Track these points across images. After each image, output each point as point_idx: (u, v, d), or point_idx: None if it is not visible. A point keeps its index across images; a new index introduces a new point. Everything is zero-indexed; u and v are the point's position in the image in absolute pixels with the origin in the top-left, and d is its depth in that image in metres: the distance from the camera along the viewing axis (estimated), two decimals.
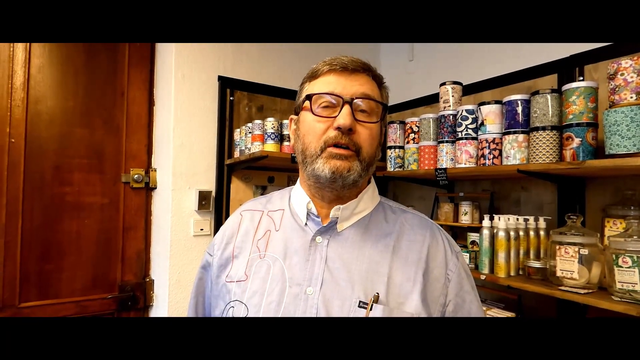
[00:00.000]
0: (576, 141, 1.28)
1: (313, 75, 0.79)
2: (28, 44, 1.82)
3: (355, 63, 0.75)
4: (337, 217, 0.77)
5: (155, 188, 2.10)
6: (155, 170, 2.10)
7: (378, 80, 0.80)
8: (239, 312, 0.75)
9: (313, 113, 0.74)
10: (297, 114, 0.82)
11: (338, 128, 0.71)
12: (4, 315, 1.75)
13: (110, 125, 2.02)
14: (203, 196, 1.98)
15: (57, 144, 1.88)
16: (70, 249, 1.91)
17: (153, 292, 2.07)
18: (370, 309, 0.69)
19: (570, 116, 1.30)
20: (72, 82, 1.92)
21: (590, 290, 1.28)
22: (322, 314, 0.70)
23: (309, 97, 0.75)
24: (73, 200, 1.92)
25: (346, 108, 0.72)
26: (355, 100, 0.73)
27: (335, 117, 0.72)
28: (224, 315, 0.78)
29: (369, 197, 0.83)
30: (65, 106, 1.91)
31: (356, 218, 0.80)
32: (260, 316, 0.72)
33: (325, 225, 0.78)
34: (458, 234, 1.96)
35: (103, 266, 1.99)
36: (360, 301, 0.70)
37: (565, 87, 1.32)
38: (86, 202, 1.95)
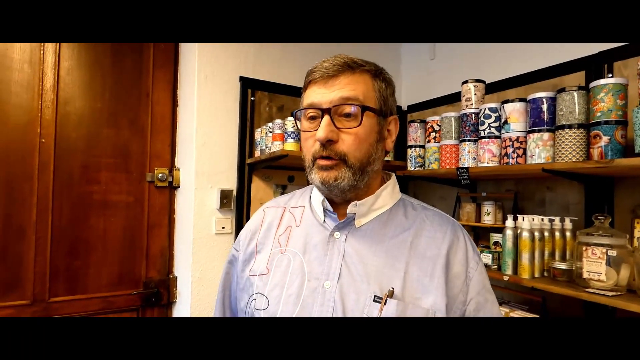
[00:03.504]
0: (604, 139, 1.25)
1: (304, 87, 0.81)
2: (58, 47, 1.88)
3: (336, 66, 0.74)
4: (354, 213, 0.78)
5: (179, 187, 2.14)
6: (179, 170, 2.14)
7: (372, 73, 0.77)
8: (260, 304, 0.78)
9: (300, 129, 0.79)
10: None
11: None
12: (35, 310, 1.82)
13: (136, 125, 2.07)
14: (224, 195, 2.00)
15: (85, 143, 1.94)
16: (97, 245, 1.97)
17: (176, 289, 2.11)
18: (385, 304, 0.70)
19: (598, 114, 1.26)
20: (100, 84, 1.98)
21: (619, 293, 1.24)
22: (339, 307, 0.72)
23: (294, 114, 0.80)
24: (100, 198, 1.97)
25: (324, 119, 0.73)
26: (334, 107, 0.73)
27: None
28: (248, 307, 0.81)
29: (389, 193, 0.83)
30: (93, 107, 1.96)
31: (375, 214, 0.80)
32: (280, 308, 0.75)
33: (342, 221, 0.79)
34: (480, 234, 1.93)
35: (128, 263, 2.04)
36: (375, 295, 0.71)
37: (593, 84, 1.28)
38: (112, 200, 2.00)
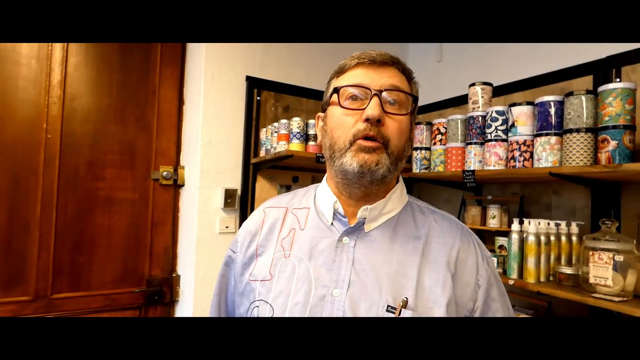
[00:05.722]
0: (612, 144, 1.24)
1: (340, 71, 0.78)
2: (66, 44, 1.88)
3: (384, 56, 0.74)
4: (365, 218, 0.76)
5: (183, 185, 2.14)
6: (184, 168, 2.14)
7: (407, 75, 0.77)
8: (264, 312, 0.74)
9: (341, 106, 0.73)
10: (324, 111, 0.81)
11: (367, 120, 0.70)
12: (36, 306, 1.82)
13: (142, 122, 2.07)
14: (229, 194, 2.00)
15: (91, 140, 1.94)
16: (101, 242, 1.97)
17: (179, 288, 2.11)
18: (399, 314, 0.68)
19: (607, 118, 1.26)
20: (107, 81, 1.99)
21: (625, 298, 1.24)
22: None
23: (336, 90, 0.74)
24: (105, 195, 1.98)
25: (375, 99, 0.70)
26: (383, 93, 0.71)
27: (364, 109, 0.71)
28: (249, 315, 0.77)
29: (397, 197, 0.80)
30: (100, 103, 1.97)
31: (384, 219, 0.78)
32: (286, 317, 0.72)
33: (352, 225, 0.76)
34: (485, 238, 1.92)
35: (132, 260, 2.04)
36: (388, 305, 0.68)
37: (602, 88, 1.28)
38: (117, 197, 2.00)
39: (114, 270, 1.99)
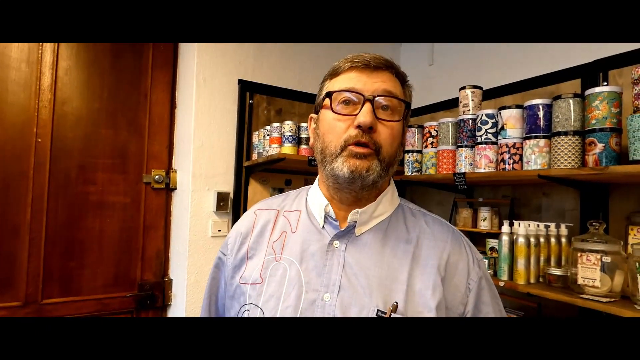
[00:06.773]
0: (599, 146, 1.26)
1: (334, 73, 0.77)
2: (56, 47, 1.87)
3: (378, 60, 0.74)
4: (356, 221, 0.76)
5: (175, 189, 2.14)
6: (176, 172, 2.14)
7: (401, 78, 0.77)
8: (254, 316, 0.74)
9: (333, 111, 0.73)
10: (316, 112, 0.81)
11: (359, 126, 0.70)
12: (27, 311, 1.80)
13: (134, 126, 2.07)
14: (221, 197, 2.00)
15: (82, 144, 1.93)
16: (92, 247, 1.95)
17: (171, 292, 2.10)
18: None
19: (593, 121, 1.27)
20: (98, 84, 1.98)
21: (613, 299, 1.25)
22: None
23: (329, 95, 0.73)
24: (96, 199, 1.96)
25: (367, 106, 0.70)
26: (376, 98, 0.71)
27: (356, 115, 0.70)
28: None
29: (388, 199, 0.80)
30: (91, 107, 1.96)
31: (375, 222, 0.78)
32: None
33: (343, 229, 0.76)
34: (477, 240, 1.93)
35: (124, 264, 2.03)
36: (378, 310, 0.68)
37: (588, 91, 1.30)
38: (109, 202, 1.99)
39: (105, 274, 1.98)
